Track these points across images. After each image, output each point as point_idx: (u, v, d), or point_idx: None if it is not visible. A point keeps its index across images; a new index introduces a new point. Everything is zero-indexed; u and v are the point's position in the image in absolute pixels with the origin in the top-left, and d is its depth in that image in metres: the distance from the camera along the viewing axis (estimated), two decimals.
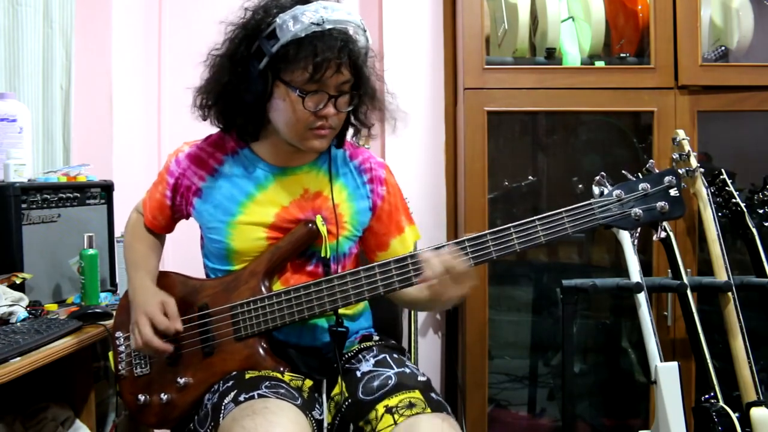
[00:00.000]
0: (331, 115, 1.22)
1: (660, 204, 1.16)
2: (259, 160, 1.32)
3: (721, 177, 1.89)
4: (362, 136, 1.37)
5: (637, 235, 1.21)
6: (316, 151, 1.27)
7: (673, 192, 1.16)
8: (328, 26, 1.16)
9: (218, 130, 1.36)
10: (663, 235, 1.20)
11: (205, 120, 1.33)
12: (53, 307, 1.60)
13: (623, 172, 1.31)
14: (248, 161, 1.32)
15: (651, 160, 1.27)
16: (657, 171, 1.20)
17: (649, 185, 1.17)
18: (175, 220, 1.41)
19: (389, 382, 1.20)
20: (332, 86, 1.20)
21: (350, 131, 1.37)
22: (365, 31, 1.24)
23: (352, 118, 1.32)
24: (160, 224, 1.40)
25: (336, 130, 1.27)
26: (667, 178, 1.17)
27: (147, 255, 1.39)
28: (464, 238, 1.17)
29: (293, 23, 1.16)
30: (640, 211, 1.16)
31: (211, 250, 1.34)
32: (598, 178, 1.39)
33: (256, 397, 1.12)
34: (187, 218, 1.40)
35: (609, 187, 1.19)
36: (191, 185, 1.32)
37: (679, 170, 1.84)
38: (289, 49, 1.16)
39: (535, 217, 1.16)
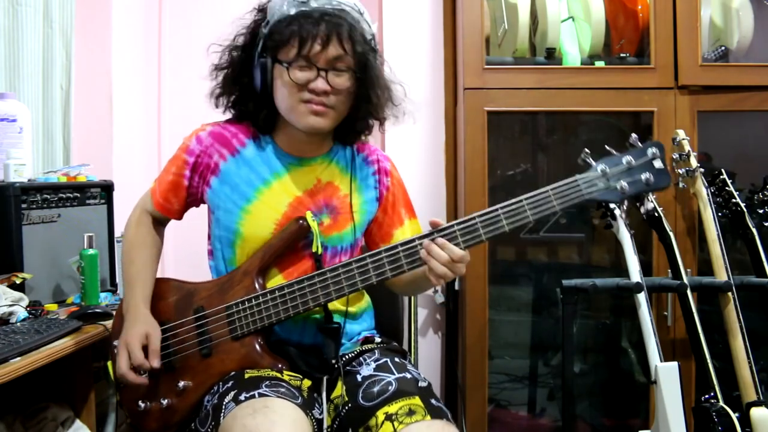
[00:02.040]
0: (322, 89, 1.23)
1: (645, 176, 1.16)
2: (278, 148, 1.34)
3: (721, 177, 1.89)
4: (373, 130, 1.39)
5: (625, 208, 1.20)
6: (314, 128, 1.27)
7: (657, 163, 1.17)
8: (314, 4, 1.22)
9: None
10: (650, 206, 1.20)
11: (217, 107, 1.37)
12: (53, 307, 1.61)
13: (606, 147, 1.31)
14: (268, 148, 1.34)
15: (634, 135, 1.27)
16: (640, 145, 1.21)
17: (632, 158, 1.17)
18: (188, 205, 1.39)
19: (389, 388, 1.20)
20: (321, 61, 1.23)
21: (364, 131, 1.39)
22: (362, 14, 1.28)
23: (362, 111, 1.32)
24: (172, 207, 1.38)
25: (336, 110, 1.27)
26: (650, 150, 1.17)
27: (143, 269, 1.36)
28: (453, 222, 1.18)
29: (282, 4, 1.23)
30: (626, 184, 1.16)
31: (218, 235, 1.34)
32: (582, 154, 1.39)
33: (256, 396, 1.12)
34: (198, 205, 1.39)
35: (593, 162, 1.20)
36: (210, 163, 1.32)
37: (679, 170, 1.84)
38: (278, 28, 1.23)
39: (522, 197, 1.17)
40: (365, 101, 1.30)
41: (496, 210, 1.17)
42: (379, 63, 1.32)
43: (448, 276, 1.17)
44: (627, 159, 1.17)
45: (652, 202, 1.20)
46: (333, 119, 1.28)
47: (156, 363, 1.24)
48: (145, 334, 1.25)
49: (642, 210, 1.22)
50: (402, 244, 1.20)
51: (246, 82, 1.31)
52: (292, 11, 1.22)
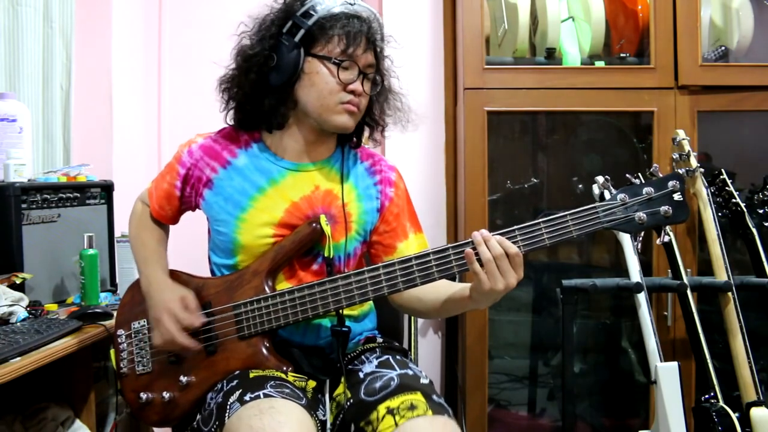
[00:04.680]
0: (360, 91, 1.26)
1: (664, 208, 1.16)
2: (273, 155, 1.33)
3: (721, 177, 1.89)
4: (375, 137, 1.39)
5: (641, 239, 1.20)
6: (344, 128, 1.29)
7: (676, 196, 1.16)
8: (357, 7, 1.25)
9: (229, 125, 1.37)
10: (666, 239, 1.20)
11: (225, 103, 1.34)
12: (53, 307, 1.60)
13: (627, 176, 1.31)
14: (262, 155, 1.33)
15: (655, 165, 1.27)
16: (661, 175, 1.20)
17: (653, 189, 1.17)
18: (182, 212, 1.41)
19: (391, 383, 1.20)
20: (361, 63, 1.26)
21: (366, 132, 1.40)
22: (381, 25, 1.31)
23: (367, 117, 1.35)
24: (167, 214, 1.40)
25: (361, 113, 1.30)
26: (671, 183, 1.17)
27: (157, 248, 1.38)
28: (468, 240, 1.15)
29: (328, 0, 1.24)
30: (644, 215, 1.16)
31: (218, 243, 1.34)
32: (602, 181, 1.39)
33: (261, 396, 1.12)
34: (194, 210, 1.40)
35: (613, 190, 1.19)
36: (202, 176, 1.33)
37: (679, 170, 1.84)
38: (324, 23, 1.23)
39: (539, 220, 1.15)
40: (371, 109, 1.34)
41: (513, 231, 1.15)
42: (390, 74, 1.36)
43: (509, 278, 1.11)
44: (647, 189, 1.17)
45: (669, 234, 1.20)
46: (356, 121, 1.31)
47: (202, 319, 1.26)
48: (181, 297, 1.27)
49: (658, 241, 1.22)
50: (417, 257, 1.17)
51: (265, 73, 1.26)
52: (339, 9, 1.24)
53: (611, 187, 1.21)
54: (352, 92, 1.25)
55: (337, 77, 1.24)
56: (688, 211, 1.18)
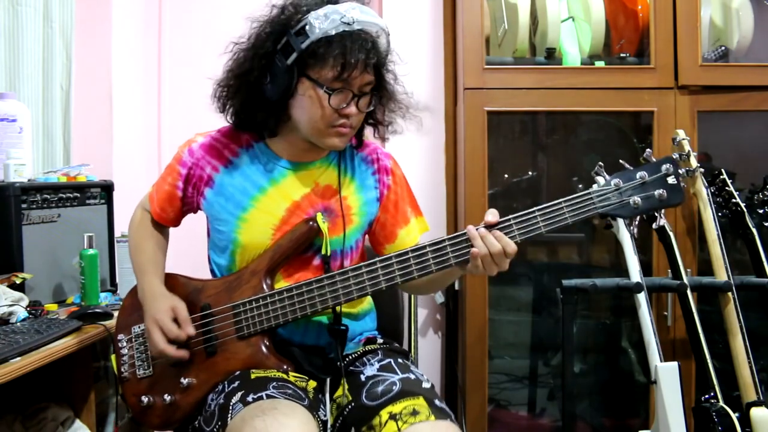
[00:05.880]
0: (353, 114, 1.24)
1: (658, 191, 1.16)
2: (273, 155, 1.33)
3: (721, 177, 1.89)
4: (382, 134, 1.39)
5: (636, 223, 1.20)
6: (335, 149, 1.29)
7: (671, 179, 1.17)
8: (357, 27, 1.19)
9: (230, 123, 1.36)
10: (661, 223, 1.20)
11: (222, 112, 1.33)
12: (53, 307, 1.61)
13: (620, 161, 1.30)
14: (263, 155, 1.33)
15: (648, 150, 1.26)
16: (654, 160, 1.21)
17: (646, 173, 1.17)
18: (184, 213, 1.40)
19: (393, 388, 1.20)
20: (356, 86, 1.23)
21: (368, 130, 1.39)
22: (388, 34, 1.26)
23: (370, 118, 1.35)
24: (168, 216, 1.39)
25: (355, 129, 1.29)
26: (664, 166, 1.17)
27: (154, 256, 1.38)
28: (466, 230, 1.18)
29: (324, 21, 1.18)
30: (639, 199, 1.16)
31: (217, 242, 1.34)
32: (596, 168, 1.39)
33: (264, 397, 1.12)
34: (196, 212, 1.40)
35: (607, 176, 1.19)
36: (204, 175, 1.32)
37: (679, 170, 1.84)
38: (319, 47, 1.18)
39: (534, 208, 1.16)
40: (374, 112, 1.33)
41: (509, 221, 1.16)
42: (394, 80, 1.33)
43: (503, 266, 1.18)
44: (641, 174, 1.17)
45: (662, 218, 1.20)
46: (350, 137, 1.30)
47: (191, 330, 1.26)
48: (171, 308, 1.27)
49: (654, 225, 1.22)
50: (413, 251, 1.19)
51: (259, 87, 1.26)
52: (334, 31, 1.17)
53: (605, 173, 1.21)
54: (345, 115, 1.23)
55: (328, 104, 1.21)
56: (683, 194, 1.18)
